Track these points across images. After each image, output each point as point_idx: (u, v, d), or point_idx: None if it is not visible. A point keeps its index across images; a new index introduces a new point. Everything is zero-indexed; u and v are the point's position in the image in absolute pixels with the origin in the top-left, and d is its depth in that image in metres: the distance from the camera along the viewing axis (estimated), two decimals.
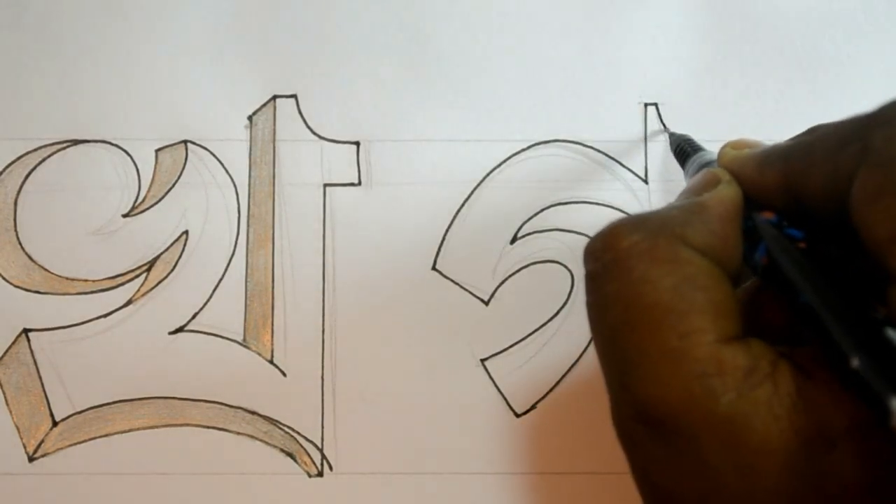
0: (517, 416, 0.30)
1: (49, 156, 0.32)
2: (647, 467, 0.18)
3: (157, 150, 0.32)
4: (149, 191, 0.32)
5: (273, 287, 0.31)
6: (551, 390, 0.30)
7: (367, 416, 0.30)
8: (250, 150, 0.32)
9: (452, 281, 0.31)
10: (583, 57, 0.32)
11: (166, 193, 0.32)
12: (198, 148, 0.32)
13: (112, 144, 0.32)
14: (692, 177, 0.24)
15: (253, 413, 0.30)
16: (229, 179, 0.32)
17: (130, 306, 0.31)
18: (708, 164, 0.25)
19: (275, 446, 0.30)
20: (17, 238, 0.31)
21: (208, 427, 0.30)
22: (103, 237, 0.31)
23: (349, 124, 0.32)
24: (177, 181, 0.32)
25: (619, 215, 0.29)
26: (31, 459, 0.30)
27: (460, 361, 0.31)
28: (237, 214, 0.32)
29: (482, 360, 0.31)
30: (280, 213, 0.32)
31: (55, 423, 0.31)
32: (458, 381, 0.31)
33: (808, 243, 0.18)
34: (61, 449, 0.30)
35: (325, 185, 0.32)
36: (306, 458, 0.30)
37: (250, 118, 0.32)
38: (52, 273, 0.31)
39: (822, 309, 0.17)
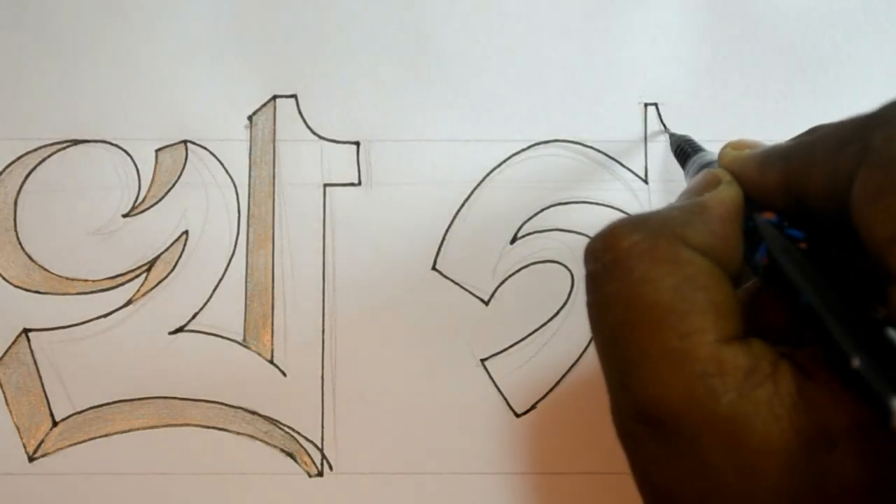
0: (517, 416, 0.30)
1: (49, 156, 0.32)
2: (647, 467, 0.18)
3: (157, 150, 0.32)
4: (149, 191, 0.32)
5: (273, 287, 0.31)
6: (551, 390, 0.30)
7: (367, 416, 0.30)
8: (250, 150, 0.32)
9: (452, 281, 0.31)
10: (583, 57, 0.32)
11: (166, 193, 0.32)
12: (198, 148, 0.32)
13: (112, 144, 0.32)
14: (692, 177, 0.24)
15: (253, 413, 0.30)
16: (229, 179, 0.32)
17: (130, 306, 0.31)
18: (708, 164, 0.25)
19: (275, 446, 0.30)
20: (17, 238, 0.31)
21: (208, 427, 0.30)
22: (103, 237, 0.31)
23: (349, 124, 0.32)
24: (177, 181, 0.32)
25: (620, 215, 0.29)
26: (31, 459, 0.30)
27: (460, 361, 0.31)
28: (237, 214, 0.32)
29: (482, 360, 0.31)
30: (280, 213, 0.32)
31: (55, 423, 0.31)
32: (458, 381, 0.31)
33: (809, 244, 0.18)
34: (61, 449, 0.30)
35: (325, 185, 0.32)
36: (306, 458, 0.30)
37: (250, 118, 0.32)
38: (52, 273, 0.31)
39: (823, 309, 0.17)
